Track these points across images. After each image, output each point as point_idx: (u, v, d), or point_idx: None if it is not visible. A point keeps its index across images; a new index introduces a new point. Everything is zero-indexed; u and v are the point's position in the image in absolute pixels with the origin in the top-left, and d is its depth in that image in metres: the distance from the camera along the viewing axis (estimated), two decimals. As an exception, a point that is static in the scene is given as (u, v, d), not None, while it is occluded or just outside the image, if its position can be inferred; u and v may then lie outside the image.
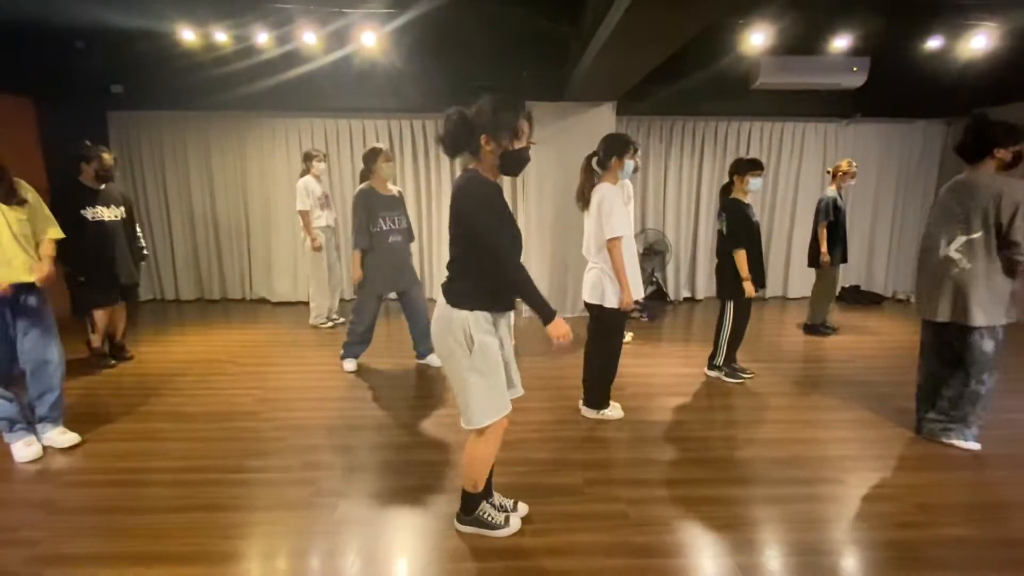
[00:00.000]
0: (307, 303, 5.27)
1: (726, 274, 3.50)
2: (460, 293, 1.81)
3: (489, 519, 2.03)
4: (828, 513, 2.22)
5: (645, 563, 1.92)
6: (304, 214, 4.69)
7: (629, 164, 2.93)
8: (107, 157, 3.63)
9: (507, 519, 2.05)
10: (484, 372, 1.81)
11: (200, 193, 5.83)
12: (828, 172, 4.64)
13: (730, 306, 3.54)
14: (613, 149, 2.87)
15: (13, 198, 2.46)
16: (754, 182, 3.46)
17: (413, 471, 2.54)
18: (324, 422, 3.01)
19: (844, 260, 4.61)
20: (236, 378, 3.71)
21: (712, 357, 3.69)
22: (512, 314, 1.98)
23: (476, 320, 1.78)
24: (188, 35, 4.62)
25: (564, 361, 3.99)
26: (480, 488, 2.01)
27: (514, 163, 1.80)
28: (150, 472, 2.51)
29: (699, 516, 2.20)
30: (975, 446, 2.68)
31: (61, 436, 2.70)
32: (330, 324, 5.01)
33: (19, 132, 4.80)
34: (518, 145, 1.78)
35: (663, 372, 3.84)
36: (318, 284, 4.93)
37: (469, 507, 2.03)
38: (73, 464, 2.58)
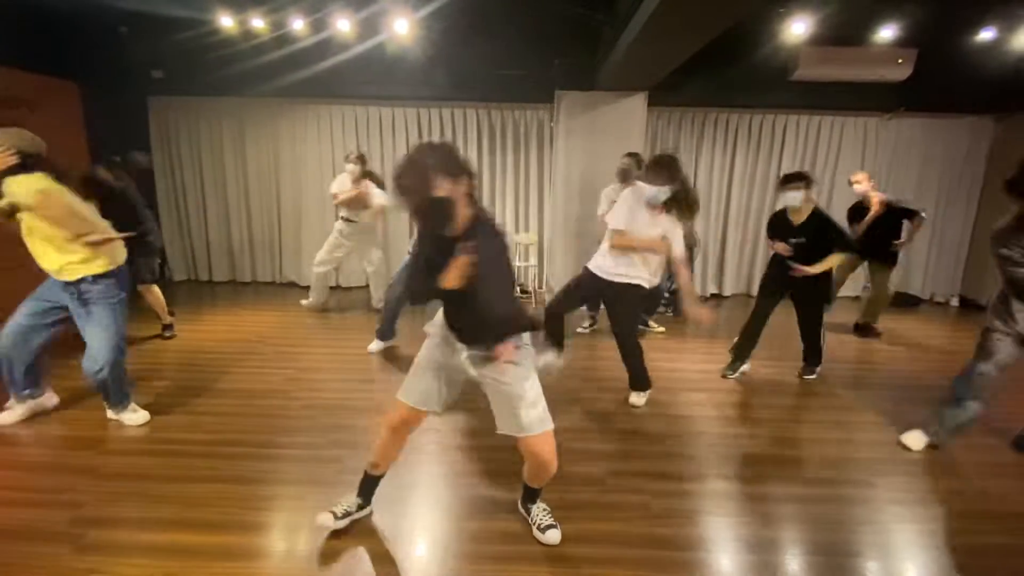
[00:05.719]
0: (336, 288, 5.73)
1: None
2: None
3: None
4: (853, 515, 2.18)
5: (664, 555, 1.92)
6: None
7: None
8: None
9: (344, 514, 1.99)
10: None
11: (234, 177, 5.96)
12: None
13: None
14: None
15: None
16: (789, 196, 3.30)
17: (437, 453, 2.58)
18: (350, 403, 3.08)
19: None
20: (266, 358, 3.81)
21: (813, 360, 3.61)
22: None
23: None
24: (226, 21, 4.71)
25: (593, 352, 3.98)
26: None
27: None
28: (185, 443, 2.61)
29: (721, 511, 2.19)
30: None
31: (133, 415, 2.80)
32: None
33: (65, 115, 4.96)
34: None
35: (688, 367, 3.80)
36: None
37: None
38: (114, 433, 2.69)
